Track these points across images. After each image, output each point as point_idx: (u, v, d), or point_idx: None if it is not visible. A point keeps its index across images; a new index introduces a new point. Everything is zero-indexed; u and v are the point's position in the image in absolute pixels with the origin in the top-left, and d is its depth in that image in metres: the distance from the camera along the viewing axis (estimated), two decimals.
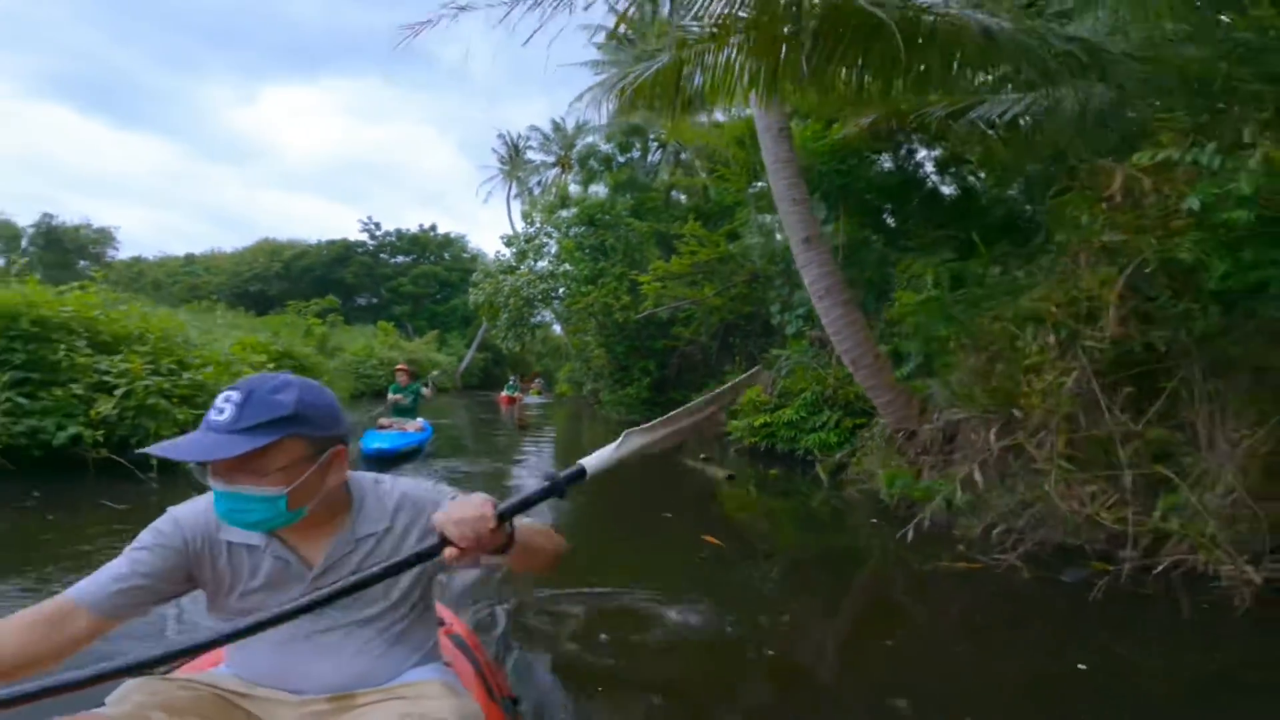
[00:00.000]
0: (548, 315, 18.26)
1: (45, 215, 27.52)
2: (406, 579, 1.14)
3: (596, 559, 3.77)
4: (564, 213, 15.22)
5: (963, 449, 4.12)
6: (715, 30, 4.21)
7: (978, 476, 3.50)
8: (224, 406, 0.98)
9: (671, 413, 1.15)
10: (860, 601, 3.52)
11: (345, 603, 1.04)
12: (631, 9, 4.14)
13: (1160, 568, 2.95)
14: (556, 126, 27.61)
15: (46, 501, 4.01)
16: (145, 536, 1.08)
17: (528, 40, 4.54)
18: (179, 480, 4.51)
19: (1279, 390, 2.79)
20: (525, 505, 0.97)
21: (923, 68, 3.84)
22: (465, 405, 19.96)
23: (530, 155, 29.90)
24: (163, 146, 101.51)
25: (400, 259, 37.10)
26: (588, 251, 14.11)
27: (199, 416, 1.21)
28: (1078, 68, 3.50)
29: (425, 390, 9.01)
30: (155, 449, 0.95)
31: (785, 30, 4.08)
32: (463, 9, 4.54)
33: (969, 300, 3.93)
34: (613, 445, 1.06)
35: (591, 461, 1.04)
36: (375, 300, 37.34)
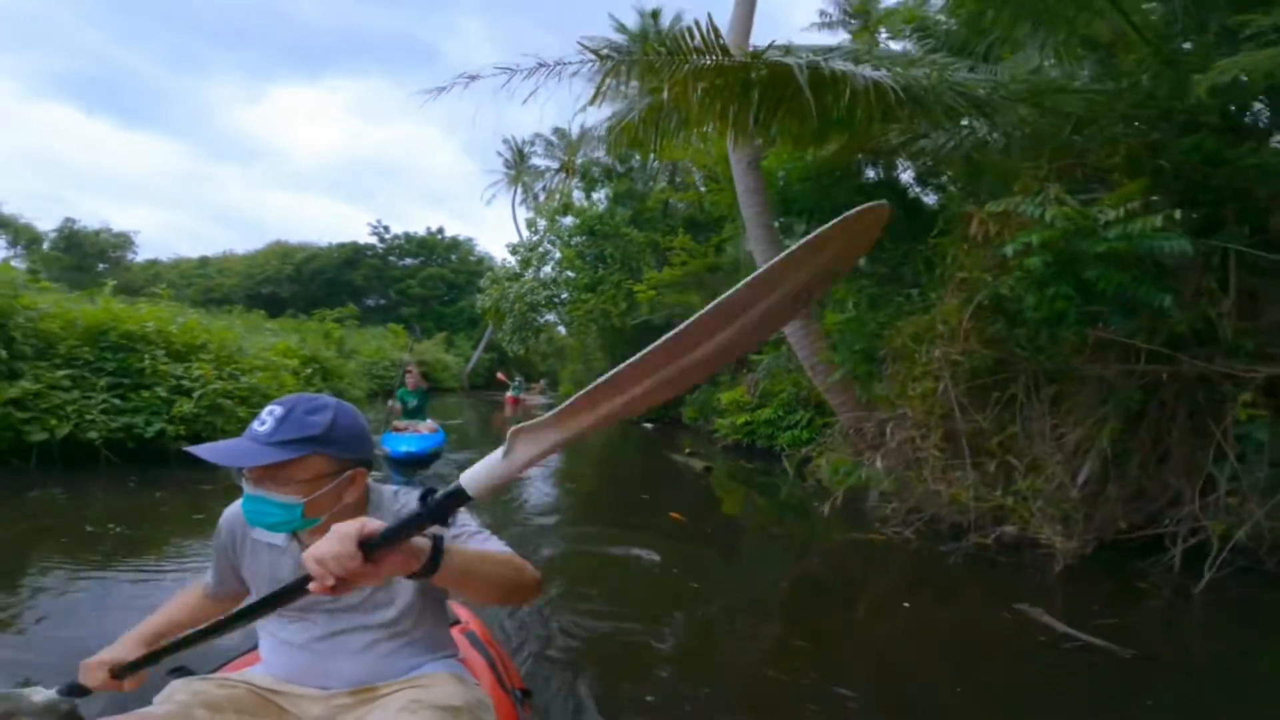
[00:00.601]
0: (553, 316, 19.23)
1: (67, 220, 28.86)
2: (418, 594, 1.21)
3: (582, 532, 4.78)
4: (566, 220, 16.19)
5: (888, 443, 5.09)
6: (678, 89, 5.15)
7: (879, 464, 4.47)
8: (266, 419, 1.10)
9: (568, 403, 0.75)
10: (778, 560, 4.49)
11: (361, 606, 1.20)
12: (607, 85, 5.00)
13: (1004, 536, 3.91)
14: (561, 133, 28.58)
15: (144, 484, 5.02)
16: (218, 529, 1.30)
17: (525, 100, 5.52)
18: None
19: (1092, 396, 3.74)
20: (392, 536, 0.82)
21: (841, 115, 4.76)
22: (472, 405, 20.98)
23: (535, 160, 30.87)
24: (169, 146, 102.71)
25: (408, 261, 38.17)
26: (588, 260, 15.11)
27: (255, 414, 1.50)
28: (968, 111, 4.43)
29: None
30: (198, 450, 1.04)
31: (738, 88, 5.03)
32: (473, 78, 5.51)
33: (881, 321, 4.89)
34: (498, 452, 0.79)
35: (473, 477, 0.80)
36: (384, 301, 38.39)
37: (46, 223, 29.72)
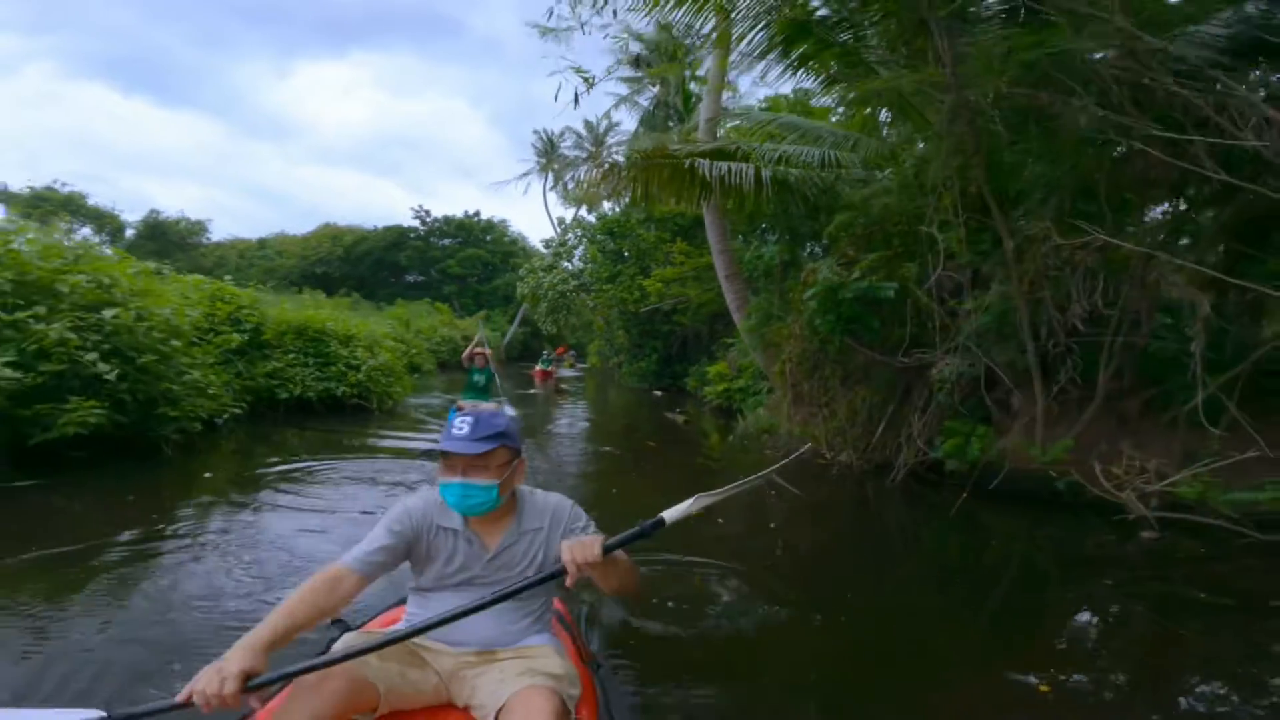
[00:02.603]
0: (583, 294, 22.86)
1: (152, 211, 33.42)
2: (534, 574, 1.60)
3: (596, 450, 8.42)
4: (590, 216, 19.59)
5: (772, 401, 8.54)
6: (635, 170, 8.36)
7: (763, 413, 7.95)
8: (463, 425, 1.58)
9: (736, 483, 1.69)
10: (697, 461, 8.05)
11: (503, 585, 1.54)
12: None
13: (821, 454, 7.36)
14: (589, 126, 31.76)
15: (340, 427, 8.76)
16: (391, 518, 1.61)
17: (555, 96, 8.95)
18: (394, 411, 9.34)
19: (861, 374, 7.11)
20: (621, 544, 1.45)
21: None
22: (510, 376, 24.82)
23: (564, 150, 34.09)
24: (205, 124, 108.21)
25: (447, 242, 42.04)
26: (608, 255, 18.57)
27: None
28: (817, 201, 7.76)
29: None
30: (443, 444, 1.56)
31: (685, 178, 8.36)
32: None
33: (764, 330, 8.36)
34: (687, 502, 1.55)
35: (669, 514, 1.51)
36: (423, 278, 42.48)
37: (130, 213, 34.34)
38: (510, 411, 7.71)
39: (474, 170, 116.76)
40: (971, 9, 4.52)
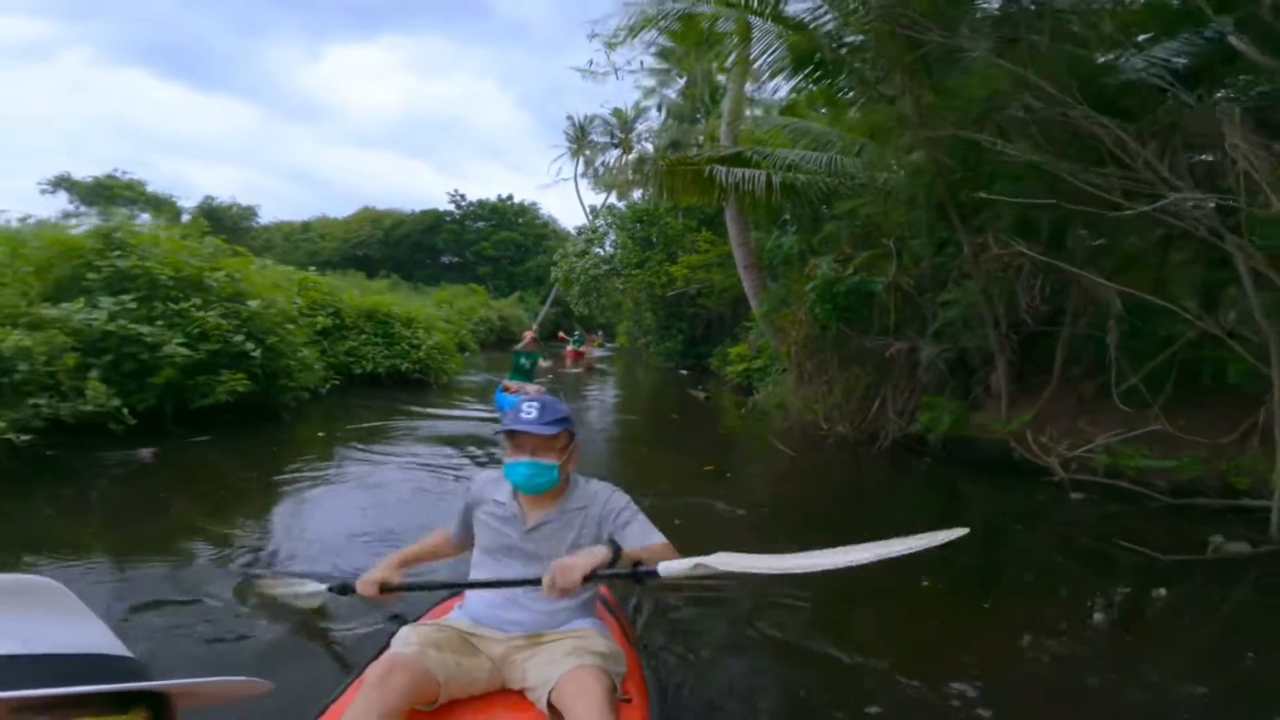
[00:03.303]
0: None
1: (207, 198, 35.56)
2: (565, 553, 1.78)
3: (626, 420, 9.73)
4: (620, 204, 20.73)
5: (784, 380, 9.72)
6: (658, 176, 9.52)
7: (772, 388, 9.13)
8: (531, 409, 1.76)
9: (757, 558, 1.63)
10: (715, 430, 9.28)
11: (530, 559, 1.77)
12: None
13: (821, 426, 8.52)
14: (618, 113, 32.68)
15: (405, 397, 10.19)
16: (462, 497, 1.96)
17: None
18: (449, 386, 10.78)
19: (853, 355, 8.21)
20: (605, 577, 1.65)
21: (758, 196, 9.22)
22: (542, 354, 26.29)
23: (594, 137, 35.07)
24: (241, 108, 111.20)
25: (481, 224, 43.53)
26: (638, 242, 19.73)
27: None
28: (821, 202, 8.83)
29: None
30: (506, 424, 1.78)
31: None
32: None
33: (775, 315, 9.49)
34: (688, 563, 1.62)
35: (664, 569, 1.61)
36: (458, 260, 44.11)
37: (185, 199, 36.60)
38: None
39: (502, 151, 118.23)
40: (937, 56, 5.55)
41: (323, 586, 2.22)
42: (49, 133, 74.62)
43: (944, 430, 7.13)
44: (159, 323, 5.66)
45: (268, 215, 50.26)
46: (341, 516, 4.28)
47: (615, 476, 2.45)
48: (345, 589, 1.99)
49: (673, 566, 1.64)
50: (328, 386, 8.52)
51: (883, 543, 1.57)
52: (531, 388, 8.14)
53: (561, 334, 23.11)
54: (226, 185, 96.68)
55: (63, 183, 34.25)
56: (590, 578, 1.62)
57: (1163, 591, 3.72)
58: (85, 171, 32.71)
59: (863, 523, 5.20)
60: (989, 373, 7.35)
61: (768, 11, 7.37)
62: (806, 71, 7.70)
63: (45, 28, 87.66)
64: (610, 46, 11.85)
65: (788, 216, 12.99)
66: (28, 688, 0.44)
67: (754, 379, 14.42)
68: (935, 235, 6.38)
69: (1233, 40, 4.21)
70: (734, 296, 17.81)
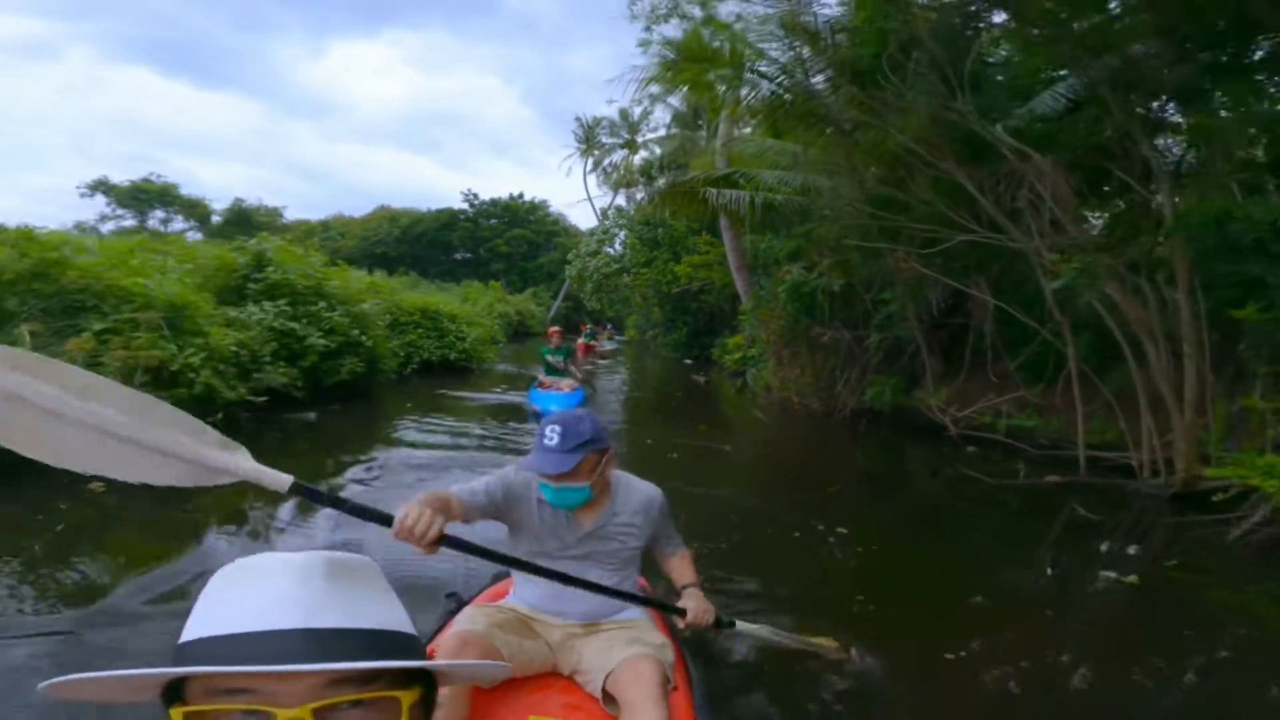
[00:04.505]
0: (625, 277, 26.34)
1: (236, 200, 37.97)
2: (632, 554, 1.93)
3: (639, 397, 12.03)
4: (629, 205, 22.85)
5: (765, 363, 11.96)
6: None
7: (758, 372, 11.35)
8: (552, 435, 1.73)
9: (780, 634, 2.27)
10: (712, 406, 11.54)
11: (600, 562, 1.86)
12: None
13: (794, 401, 10.74)
14: (624, 115, 34.80)
15: (453, 380, 12.46)
16: (493, 480, 1.84)
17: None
18: (486, 372, 13.10)
19: (824, 344, 10.41)
20: (725, 625, 2.03)
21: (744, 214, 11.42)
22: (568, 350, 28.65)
23: (602, 137, 37.20)
24: (246, 105, 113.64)
25: (493, 222, 45.76)
26: (645, 243, 21.93)
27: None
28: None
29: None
30: (527, 463, 1.75)
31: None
32: None
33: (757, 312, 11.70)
34: (765, 629, 2.15)
35: (742, 626, 2.15)
36: (471, 256, 46.32)
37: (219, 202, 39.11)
38: (581, 394, 8.73)
39: (508, 147, 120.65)
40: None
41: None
42: (57, 131, 77.01)
43: (887, 402, 9.36)
44: (303, 321, 7.93)
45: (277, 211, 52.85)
46: (434, 450, 6.59)
47: (632, 439, 4.32)
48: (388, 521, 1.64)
49: (746, 627, 2.19)
50: (409, 369, 10.84)
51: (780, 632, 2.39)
52: (565, 384, 8.93)
53: (584, 325, 25.20)
54: (233, 181, 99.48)
55: (100, 186, 36.72)
56: (719, 624, 2.00)
57: (984, 503, 6.00)
58: (93, 171, 35.17)
59: (811, 465, 7.47)
60: (921, 357, 9.56)
61: (748, 68, 9.53)
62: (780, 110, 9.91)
63: (48, 27, 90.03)
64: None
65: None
66: (348, 659, 0.50)
67: (747, 365, 16.69)
68: (865, 251, 8.50)
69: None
70: (732, 293, 19.97)
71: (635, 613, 1.92)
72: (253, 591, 0.55)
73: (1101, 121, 6.16)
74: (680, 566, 2.04)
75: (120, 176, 37.25)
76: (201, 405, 5.62)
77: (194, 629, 0.54)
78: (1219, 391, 5.89)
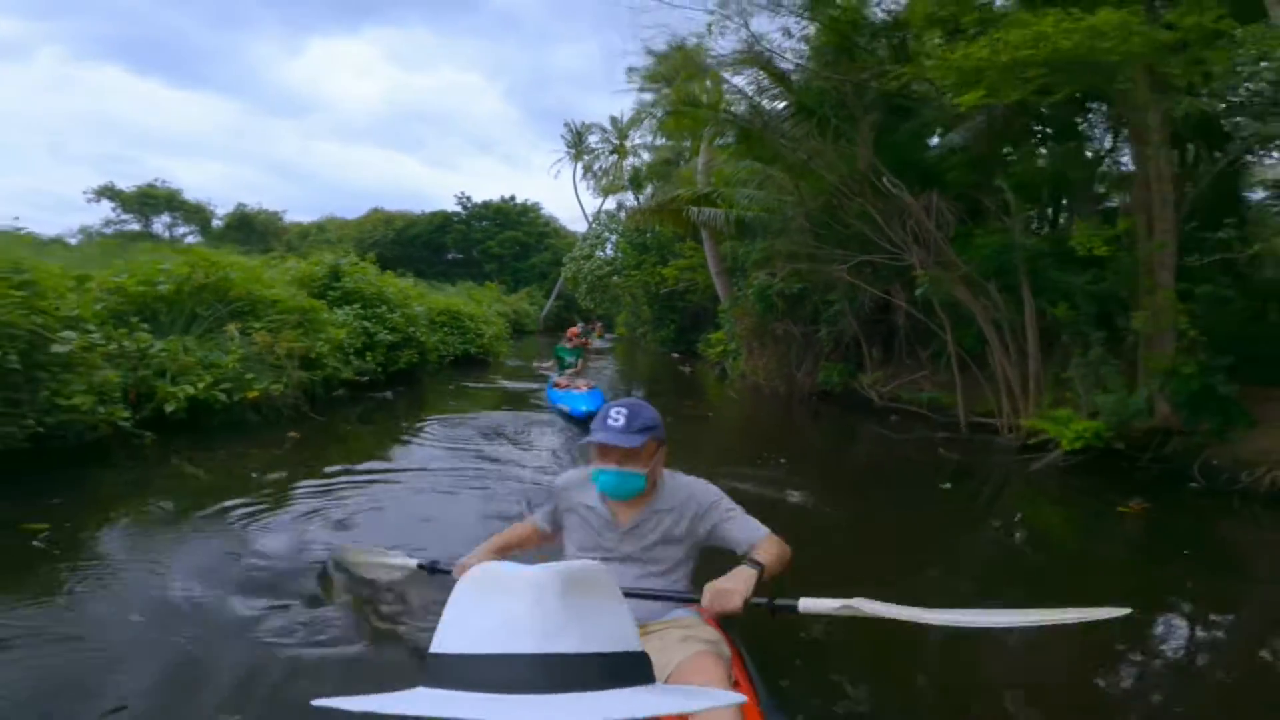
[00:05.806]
0: (616, 278, 28.72)
1: (239, 205, 39.93)
2: (681, 554, 1.95)
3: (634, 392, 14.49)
4: (620, 211, 25.16)
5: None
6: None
7: (734, 362, 13.76)
8: (618, 417, 1.82)
9: (903, 609, 1.71)
10: (699, 391, 13.99)
11: (652, 562, 1.91)
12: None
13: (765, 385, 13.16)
14: (613, 121, 37.10)
15: (475, 371, 14.75)
16: (552, 493, 2.05)
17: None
18: (501, 365, 15.44)
19: (786, 337, 12.82)
20: (758, 605, 1.78)
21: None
22: (549, 345, 30.90)
23: (591, 141, 39.45)
24: (222, 103, 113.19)
25: (485, 223, 47.84)
26: (635, 247, 24.30)
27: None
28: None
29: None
30: (594, 436, 1.84)
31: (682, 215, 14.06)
32: None
33: (732, 310, 14.11)
34: (835, 603, 1.75)
35: (805, 604, 1.79)
36: (462, 257, 48.28)
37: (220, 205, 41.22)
38: (600, 394, 9.14)
39: (492, 144, 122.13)
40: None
41: (413, 562, 2.37)
42: (29, 131, 77.27)
43: (837, 384, 11.83)
44: (372, 320, 10.21)
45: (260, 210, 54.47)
46: (479, 421, 8.83)
47: None
48: (436, 568, 2.16)
49: (817, 604, 1.75)
50: (447, 360, 13.21)
51: (1038, 610, 1.68)
52: (583, 384, 9.41)
53: (581, 323, 27.73)
54: (212, 181, 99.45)
55: (106, 192, 38.48)
56: (748, 604, 1.71)
57: (897, 454, 8.49)
58: (68, 172, 36.76)
59: (775, 434, 9.92)
60: (865, 347, 12.04)
61: (720, 111, 11.91)
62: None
63: (16, 27, 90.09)
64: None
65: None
66: (578, 688, 0.51)
67: (727, 357, 19.15)
68: (814, 261, 10.89)
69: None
70: (714, 293, 22.43)
71: (683, 612, 1.92)
72: (492, 610, 0.57)
73: (971, 166, 8.70)
74: (756, 550, 1.88)
75: (97, 178, 38.95)
76: (326, 382, 7.96)
77: (442, 640, 0.59)
78: (1048, 369, 8.40)
